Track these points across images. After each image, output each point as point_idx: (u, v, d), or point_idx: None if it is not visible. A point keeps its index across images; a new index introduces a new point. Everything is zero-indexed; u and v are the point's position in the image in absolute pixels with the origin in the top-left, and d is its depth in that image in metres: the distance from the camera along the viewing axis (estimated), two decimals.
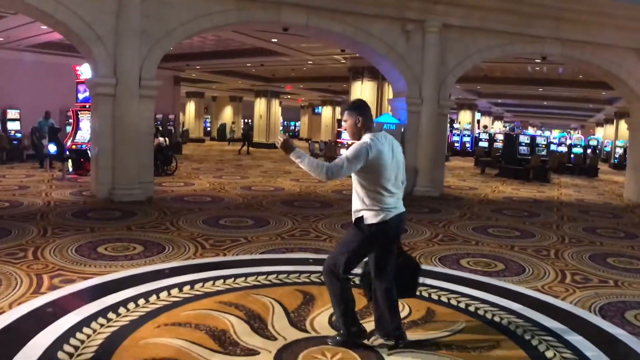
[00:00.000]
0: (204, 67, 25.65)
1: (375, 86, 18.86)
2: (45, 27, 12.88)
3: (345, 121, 4.03)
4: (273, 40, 17.26)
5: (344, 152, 3.90)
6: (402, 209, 3.99)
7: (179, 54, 21.56)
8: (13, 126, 18.69)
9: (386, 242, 3.98)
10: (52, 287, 5.19)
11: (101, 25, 10.14)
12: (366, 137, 3.86)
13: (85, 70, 13.36)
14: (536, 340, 4.33)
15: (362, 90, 19.13)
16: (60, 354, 3.74)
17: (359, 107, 4.01)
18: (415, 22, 12.42)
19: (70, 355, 3.75)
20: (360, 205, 3.89)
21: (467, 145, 31.88)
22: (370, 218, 3.83)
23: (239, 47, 20.24)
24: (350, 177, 3.96)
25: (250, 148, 26.29)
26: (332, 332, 4.22)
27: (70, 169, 14.18)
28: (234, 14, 11.12)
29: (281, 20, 11.58)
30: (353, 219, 3.96)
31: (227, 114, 40.88)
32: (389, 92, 17.01)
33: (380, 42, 12.40)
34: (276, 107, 33.04)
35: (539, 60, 16.09)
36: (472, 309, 4.99)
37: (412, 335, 4.26)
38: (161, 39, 10.66)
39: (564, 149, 24.72)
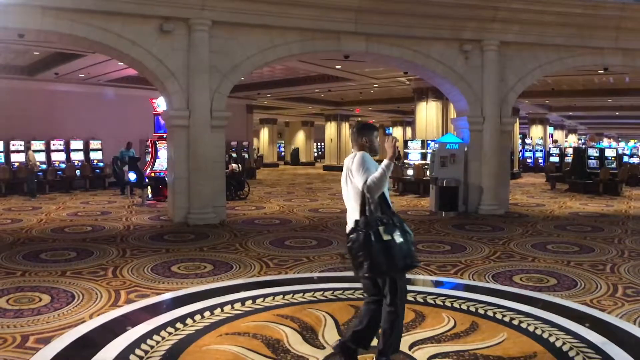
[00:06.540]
0: (274, 94, 26.36)
1: (440, 106, 18.95)
2: (121, 63, 13.66)
3: (371, 141, 4.16)
4: (337, 67, 17.76)
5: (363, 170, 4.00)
6: None
7: (250, 84, 22.45)
8: (95, 156, 19.86)
9: None
10: (128, 301, 5.81)
11: (173, 61, 10.86)
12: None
13: (161, 103, 14.09)
14: (574, 351, 4.44)
15: (428, 110, 19.29)
16: (131, 357, 4.28)
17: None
18: (472, 42, 12.55)
19: (140, 357, 4.28)
20: None
21: (540, 160, 31.01)
22: None
23: (306, 75, 20.82)
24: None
25: (322, 171, 26.93)
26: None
27: (150, 195, 14.96)
28: (296, 45, 11.68)
29: (342, 48, 12.06)
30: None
31: (300, 139, 41.90)
32: (453, 112, 17.08)
33: (439, 63, 12.58)
34: (346, 130, 33.57)
35: (602, 72, 15.78)
36: (515, 322, 5.13)
37: (452, 346, 4.53)
38: (229, 72, 11.26)
39: (636, 160, 23.66)
